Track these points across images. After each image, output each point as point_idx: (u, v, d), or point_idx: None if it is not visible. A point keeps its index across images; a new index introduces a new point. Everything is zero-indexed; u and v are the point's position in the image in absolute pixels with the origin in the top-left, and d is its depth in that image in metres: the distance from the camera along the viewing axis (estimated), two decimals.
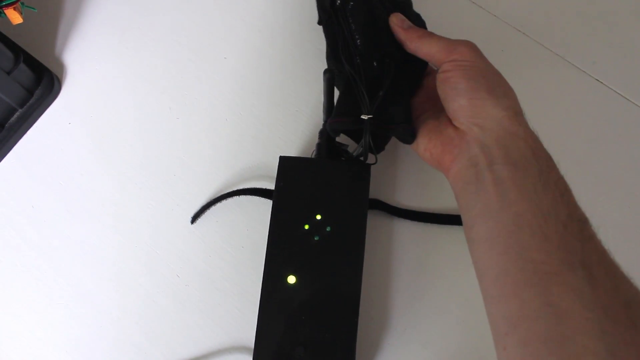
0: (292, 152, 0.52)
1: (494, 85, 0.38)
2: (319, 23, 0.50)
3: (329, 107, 0.45)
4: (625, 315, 0.29)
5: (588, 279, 0.30)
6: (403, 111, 0.42)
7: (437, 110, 0.42)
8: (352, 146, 0.47)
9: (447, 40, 0.41)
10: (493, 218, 0.34)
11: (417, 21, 0.47)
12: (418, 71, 0.46)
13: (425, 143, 0.41)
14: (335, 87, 0.44)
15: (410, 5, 0.49)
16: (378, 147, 0.46)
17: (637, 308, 0.30)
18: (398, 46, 0.45)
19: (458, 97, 0.38)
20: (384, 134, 0.44)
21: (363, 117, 0.41)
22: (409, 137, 0.42)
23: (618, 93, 0.53)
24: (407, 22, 0.44)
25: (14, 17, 0.48)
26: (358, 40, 0.44)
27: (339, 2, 0.46)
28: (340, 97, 0.45)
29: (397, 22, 0.44)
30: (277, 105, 0.54)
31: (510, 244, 0.33)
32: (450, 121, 0.40)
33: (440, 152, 0.40)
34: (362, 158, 0.45)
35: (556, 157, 0.50)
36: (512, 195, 0.34)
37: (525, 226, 0.33)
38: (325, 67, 0.43)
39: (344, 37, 0.45)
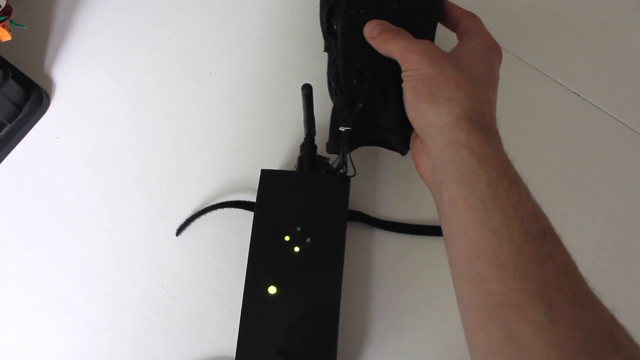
0: (275, 165, 0.53)
1: (436, 91, 0.36)
2: (325, 50, 0.51)
3: (309, 121, 0.46)
4: (586, 350, 0.28)
5: (547, 312, 0.29)
6: (394, 119, 0.43)
7: None
8: (333, 159, 0.48)
9: (404, 46, 0.39)
10: (455, 244, 0.34)
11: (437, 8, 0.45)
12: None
13: (412, 148, 0.42)
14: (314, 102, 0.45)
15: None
16: (400, 149, 0.46)
17: (598, 341, 0.28)
18: (377, 57, 0.44)
19: (408, 109, 0.39)
20: (383, 140, 0.45)
21: (341, 128, 0.42)
22: (400, 148, 0.43)
23: (596, 106, 0.55)
24: (378, 29, 0.42)
25: (3, 34, 0.49)
26: (340, 61, 0.45)
27: (335, 27, 0.46)
28: (331, 119, 0.46)
29: (367, 33, 0.43)
30: (260, 119, 0.55)
31: (470, 274, 0.32)
32: None
33: (417, 159, 0.41)
34: (342, 170, 0.46)
35: (534, 168, 0.51)
36: (464, 219, 0.33)
37: (482, 253, 0.32)
38: (305, 82, 0.43)
39: (334, 58, 0.46)
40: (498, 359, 0.30)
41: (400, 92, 0.42)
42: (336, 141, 0.44)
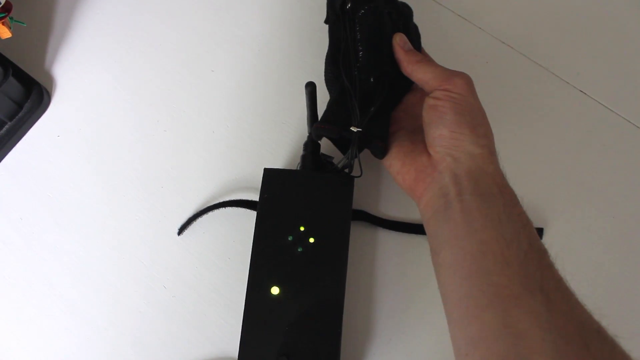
0: (278, 163, 0.52)
1: (476, 123, 0.39)
2: (326, 22, 0.50)
3: (312, 119, 0.45)
4: (579, 336, 0.31)
5: (545, 303, 0.32)
6: (382, 127, 0.43)
7: (413, 128, 0.43)
8: (337, 157, 0.47)
9: (444, 70, 0.42)
10: (459, 245, 0.36)
11: (415, 32, 0.48)
12: (404, 89, 0.47)
13: (398, 167, 0.42)
14: (328, 94, 0.45)
15: (411, 16, 0.49)
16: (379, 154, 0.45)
17: (589, 330, 0.31)
18: (394, 64, 0.45)
19: (441, 126, 0.39)
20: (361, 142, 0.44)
21: (352, 129, 0.42)
22: (380, 153, 0.43)
23: (601, 104, 0.54)
24: (409, 45, 0.45)
25: (3, 31, 0.49)
26: (360, 52, 0.44)
27: (349, 5, 0.45)
28: (330, 103, 0.45)
29: (399, 42, 0.45)
30: (263, 117, 0.54)
31: (473, 269, 0.35)
32: (425, 147, 0.41)
33: (414, 179, 0.41)
34: (346, 170, 0.45)
35: (540, 167, 0.51)
36: (477, 224, 0.36)
37: (489, 252, 0.34)
38: (308, 80, 0.43)
39: (347, 44, 0.45)
40: (492, 344, 0.32)
41: (393, 102, 0.45)
42: (327, 124, 0.43)
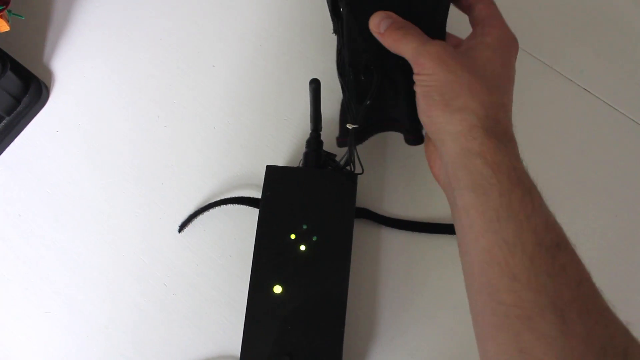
0: (280, 160, 0.52)
1: (449, 99, 0.35)
2: (334, 33, 0.48)
3: (315, 116, 0.45)
4: None
5: (559, 326, 0.28)
6: (405, 114, 0.41)
7: None
8: (339, 155, 0.47)
9: (415, 48, 0.37)
10: (468, 253, 0.33)
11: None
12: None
13: (426, 150, 0.41)
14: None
15: None
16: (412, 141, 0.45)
17: (611, 357, 0.28)
18: (380, 52, 0.41)
19: (421, 114, 0.38)
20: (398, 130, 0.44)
21: (348, 126, 0.41)
22: (411, 144, 0.42)
23: (605, 102, 0.54)
24: (385, 24, 0.39)
25: (1, 25, 0.48)
26: (347, 54, 0.43)
27: (341, 9, 0.43)
28: (340, 113, 0.45)
29: (372, 27, 0.40)
30: (265, 113, 0.54)
31: (482, 283, 0.32)
32: None
33: (432, 162, 0.40)
34: (349, 167, 0.45)
35: (543, 165, 0.51)
36: (477, 228, 0.32)
37: (494, 263, 0.31)
38: (311, 75, 0.42)
39: (340, 48, 0.44)
40: None
41: (409, 85, 0.41)
42: (346, 137, 0.43)
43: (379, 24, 0.40)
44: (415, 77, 0.38)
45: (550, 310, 0.29)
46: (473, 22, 0.41)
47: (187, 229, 0.50)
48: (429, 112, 0.36)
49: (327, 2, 0.46)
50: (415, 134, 0.42)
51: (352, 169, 0.45)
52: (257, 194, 0.49)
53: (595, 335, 0.28)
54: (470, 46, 0.39)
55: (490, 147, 0.33)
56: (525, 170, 0.34)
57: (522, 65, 0.55)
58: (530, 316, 0.29)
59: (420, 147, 0.43)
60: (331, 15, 0.47)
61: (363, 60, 0.43)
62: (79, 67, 0.56)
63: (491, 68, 0.37)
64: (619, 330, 0.29)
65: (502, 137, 0.34)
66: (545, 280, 0.30)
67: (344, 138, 0.43)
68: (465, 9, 0.42)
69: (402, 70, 0.42)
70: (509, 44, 0.39)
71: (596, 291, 0.30)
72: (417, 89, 0.37)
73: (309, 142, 0.47)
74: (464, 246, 0.34)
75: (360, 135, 0.45)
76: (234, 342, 0.46)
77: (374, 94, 0.42)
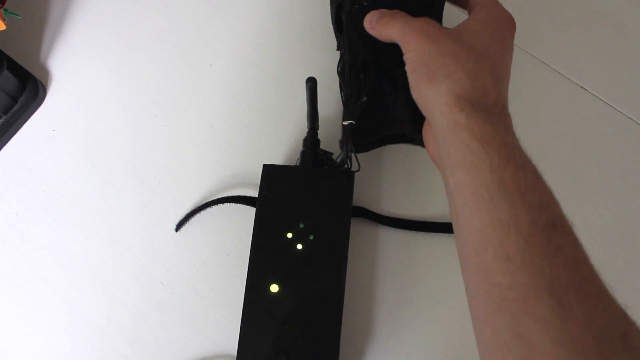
0: (277, 159, 0.52)
1: (434, 70, 0.34)
2: (337, 49, 0.50)
3: (312, 115, 0.45)
4: (598, 350, 0.27)
5: (557, 310, 0.27)
6: (404, 110, 0.42)
7: None
8: (336, 153, 0.47)
9: (401, 28, 0.37)
10: (462, 234, 0.32)
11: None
12: None
13: (423, 134, 0.41)
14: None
15: None
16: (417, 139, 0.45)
17: (610, 340, 0.27)
18: (385, 45, 0.42)
19: (412, 93, 0.37)
20: (399, 135, 0.44)
21: (344, 122, 0.41)
22: (415, 136, 0.42)
23: (603, 101, 0.54)
24: (376, 17, 0.40)
25: None
26: (346, 55, 0.44)
27: (342, 18, 0.46)
28: (343, 116, 0.45)
29: (366, 25, 0.41)
30: (262, 112, 0.53)
31: (477, 266, 0.31)
32: None
33: (427, 147, 0.40)
34: (346, 165, 0.45)
35: (541, 163, 0.50)
36: (470, 207, 0.31)
37: (488, 244, 0.30)
38: (308, 74, 0.42)
39: (342, 56, 0.46)
40: (506, 355, 0.29)
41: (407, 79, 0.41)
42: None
43: (370, 20, 0.41)
44: (404, 57, 0.37)
45: (547, 293, 0.28)
46: (469, 10, 0.41)
47: (184, 228, 0.50)
48: (416, 86, 0.36)
49: (332, 21, 0.48)
50: (418, 129, 0.42)
51: (349, 166, 0.44)
52: (255, 192, 0.49)
53: (593, 319, 0.27)
54: (460, 24, 0.39)
55: (478, 119, 0.32)
56: (518, 144, 0.32)
57: (520, 63, 0.55)
58: (525, 299, 0.28)
59: (417, 146, 0.43)
60: (335, 33, 0.48)
61: (360, 58, 0.43)
62: (76, 66, 0.56)
63: (479, 39, 0.36)
64: (618, 313, 0.28)
65: (491, 109, 0.33)
66: (541, 262, 0.28)
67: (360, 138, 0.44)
68: (461, 3, 0.42)
69: (399, 66, 0.42)
70: (501, 19, 0.38)
71: (594, 273, 0.29)
72: (407, 67, 0.37)
73: (305, 141, 0.47)
74: (457, 227, 0.33)
75: (364, 142, 0.45)
76: (231, 341, 0.46)
77: (369, 90, 0.42)
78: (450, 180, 0.33)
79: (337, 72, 0.46)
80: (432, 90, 0.34)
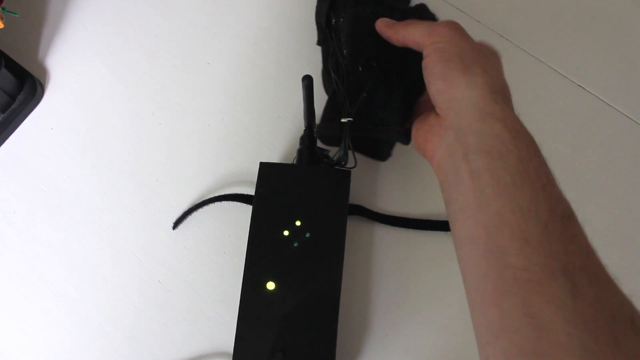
0: (274, 157, 0.52)
1: (469, 62, 0.36)
2: (318, 44, 0.51)
3: (309, 113, 0.45)
4: (609, 330, 0.28)
5: (570, 290, 0.28)
6: (396, 113, 0.42)
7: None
8: (333, 151, 0.47)
9: (429, 24, 0.39)
10: (473, 217, 0.32)
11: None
12: (414, 71, 0.44)
13: (414, 132, 0.40)
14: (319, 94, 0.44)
15: (418, 10, 0.48)
16: (385, 153, 0.47)
17: (620, 322, 0.28)
18: (389, 49, 0.44)
19: (435, 81, 0.37)
20: (378, 137, 0.44)
21: (343, 120, 0.41)
22: (403, 138, 0.42)
23: (600, 99, 0.54)
24: (392, 22, 0.43)
25: None
26: (344, 50, 0.44)
27: (334, 21, 0.46)
28: (326, 103, 0.45)
29: (381, 24, 0.43)
30: (259, 110, 0.54)
31: (489, 248, 0.31)
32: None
33: (423, 140, 0.39)
34: (342, 162, 0.45)
35: None
36: (489, 191, 0.32)
37: (505, 227, 0.31)
38: (306, 72, 0.43)
39: (334, 50, 0.45)
40: (513, 336, 0.29)
41: (402, 85, 0.43)
42: (326, 122, 0.43)
43: (387, 22, 0.43)
44: (429, 48, 0.38)
45: (561, 274, 0.29)
46: (419, 50, 0.40)
47: (181, 226, 0.50)
48: (447, 74, 0.36)
49: (319, 14, 0.48)
50: (405, 130, 0.42)
51: (345, 163, 0.44)
52: (252, 190, 0.49)
53: (605, 301, 0.28)
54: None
55: (510, 114, 0.33)
56: (540, 147, 0.34)
57: (517, 61, 0.55)
58: (540, 280, 0.29)
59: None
60: (319, 27, 0.48)
61: (365, 53, 0.43)
62: (74, 64, 0.56)
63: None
64: (625, 300, 0.29)
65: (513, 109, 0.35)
66: (557, 247, 0.29)
67: (327, 122, 0.43)
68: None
69: (395, 70, 0.43)
70: (451, 33, 0.38)
71: (602, 263, 0.30)
72: (433, 56, 0.37)
73: (302, 139, 0.47)
74: (465, 213, 0.33)
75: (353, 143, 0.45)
76: (228, 338, 0.46)
77: (370, 87, 0.42)
78: (466, 166, 0.33)
79: (327, 68, 0.46)
80: (465, 80, 0.35)
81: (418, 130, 0.40)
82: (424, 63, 0.38)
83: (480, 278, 0.32)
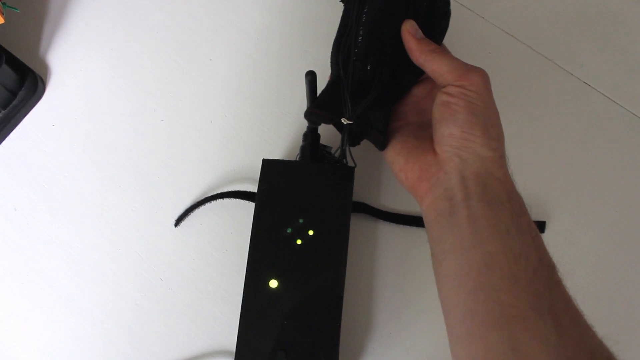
0: (276, 154, 0.51)
1: (490, 125, 0.37)
2: (342, 0, 0.46)
3: None
4: None
5: (555, 327, 0.31)
6: (381, 118, 0.41)
7: (420, 123, 0.41)
8: (335, 146, 0.47)
9: (460, 63, 0.39)
10: (464, 255, 0.34)
11: (439, 22, 0.44)
12: (411, 80, 0.44)
13: (402, 163, 0.40)
14: (331, 82, 0.43)
15: (442, 5, 0.44)
16: (353, 141, 0.45)
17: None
18: (398, 53, 0.41)
19: (452, 125, 0.37)
20: (359, 132, 0.43)
21: (343, 121, 0.40)
22: (379, 145, 0.41)
23: (606, 96, 0.53)
24: (420, 33, 0.41)
25: None
26: (360, 37, 0.41)
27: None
28: (326, 87, 0.43)
29: (409, 29, 0.41)
30: (262, 107, 0.53)
31: (479, 284, 0.33)
32: (432, 145, 0.38)
33: (417, 177, 0.38)
34: (344, 160, 0.44)
35: (543, 159, 0.50)
36: (484, 234, 0.34)
37: (496, 267, 0.33)
38: (308, 69, 0.42)
39: (351, 26, 0.42)
40: None
41: (397, 94, 0.43)
42: (320, 110, 0.42)
43: (416, 30, 0.41)
44: (458, 90, 0.37)
45: (547, 314, 0.31)
46: (438, 80, 0.40)
47: (183, 223, 0.50)
48: (468, 128, 0.37)
49: None
50: (385, 137, 0.41)
51: (346, 163, 0.44)
52: (254, 187, 0.48)
53: (586, 340, 0.31)
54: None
55: (509, 179, 0.37)
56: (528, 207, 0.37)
57: (522, 59, 0.55)
58: (526, 316, 0.31)
59: None
60: None
61: (379, 56, 0.41)
62: (75, 60, 0.56)
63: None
64: (603, 343, 0.32)
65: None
66: (544, 290, 0.32)
67: (317, 110, 0.42)
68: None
69: (397, 77, 0.42)
70: (482, 86, 0.39)
71: (580, 311, 0.33)
72: (460, 101, 0.37)
73: (305, 136, 0.47)
74: (457, 251, 0.35)
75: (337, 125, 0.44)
76: (230, 336, 0.46)
77: (376, 92, 0.40)
78: (466, 211, 0.35)
79: (341, 55, 0.43)
80: (482, 140, 0.36)
81: (411, 165, 0.39)
82: (445, 100, 0.38)
83: (466, 312, 0.33)
